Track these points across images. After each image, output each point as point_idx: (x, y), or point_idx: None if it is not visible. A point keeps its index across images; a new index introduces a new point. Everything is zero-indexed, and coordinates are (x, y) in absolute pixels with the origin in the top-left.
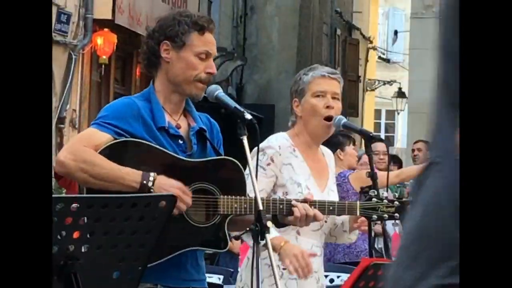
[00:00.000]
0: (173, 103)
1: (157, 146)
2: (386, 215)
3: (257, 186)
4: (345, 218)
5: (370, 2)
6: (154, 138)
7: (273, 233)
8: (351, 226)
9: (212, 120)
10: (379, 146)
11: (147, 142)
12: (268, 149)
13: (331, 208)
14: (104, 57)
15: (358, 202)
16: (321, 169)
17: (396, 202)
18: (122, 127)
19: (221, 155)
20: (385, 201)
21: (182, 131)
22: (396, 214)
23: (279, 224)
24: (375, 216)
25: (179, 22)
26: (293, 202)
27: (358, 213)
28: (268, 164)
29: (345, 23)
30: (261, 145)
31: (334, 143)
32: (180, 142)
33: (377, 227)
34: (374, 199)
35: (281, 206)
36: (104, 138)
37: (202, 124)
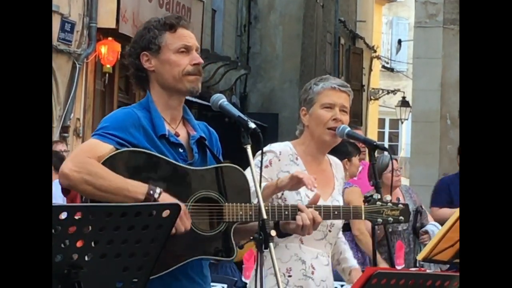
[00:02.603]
0: (171, 112)
1: (160, 155)
2: (391, 218)
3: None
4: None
5: (373, 11)
6: (155, 147)
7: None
8: None
9: (210, 128)
10: None
11: (149, 152)
12: (269, 152)
13: (336, 212)
14: (108, 66)
15: (363, 206)
16: (325, 180)
17: (400, 205)
18: (123, 137)
19: (222, 163)
20: (389, 204)
21: (182, 140)
22: (401, 217)
23: (281, 234)
24: (380, 220)
25: (149, 29)
26: (299, 206)
27: (363, 217)
28: (266, 167)
29: (349, 32)
30: (264, 148)
31: (343, 152)
32: (181, 150)
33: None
34: (378, 203)
35: (286, 212)
36: (107, 149)
37: (202, 132)
